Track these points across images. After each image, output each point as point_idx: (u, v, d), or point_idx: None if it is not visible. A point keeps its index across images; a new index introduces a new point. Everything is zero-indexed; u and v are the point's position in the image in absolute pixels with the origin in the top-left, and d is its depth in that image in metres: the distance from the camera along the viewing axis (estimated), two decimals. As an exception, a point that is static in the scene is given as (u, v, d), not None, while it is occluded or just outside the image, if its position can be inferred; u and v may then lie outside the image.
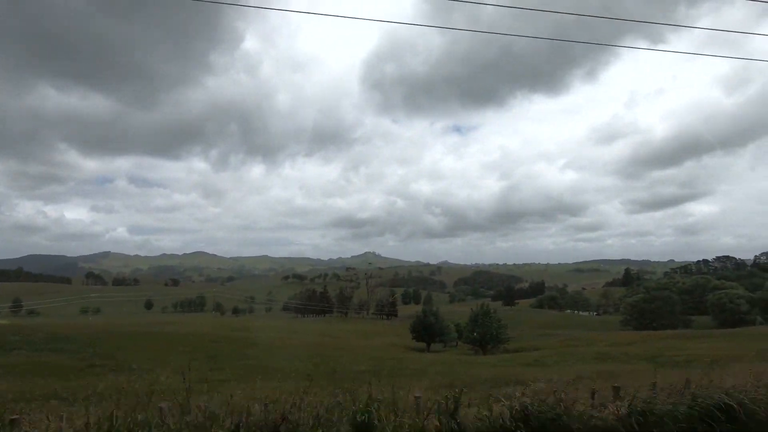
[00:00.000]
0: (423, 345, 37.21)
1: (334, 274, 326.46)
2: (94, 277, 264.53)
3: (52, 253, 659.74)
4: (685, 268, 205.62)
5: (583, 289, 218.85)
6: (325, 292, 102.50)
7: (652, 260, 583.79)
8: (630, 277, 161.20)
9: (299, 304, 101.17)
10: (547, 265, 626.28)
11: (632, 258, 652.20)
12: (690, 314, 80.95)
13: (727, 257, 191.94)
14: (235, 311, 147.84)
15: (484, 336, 35.98)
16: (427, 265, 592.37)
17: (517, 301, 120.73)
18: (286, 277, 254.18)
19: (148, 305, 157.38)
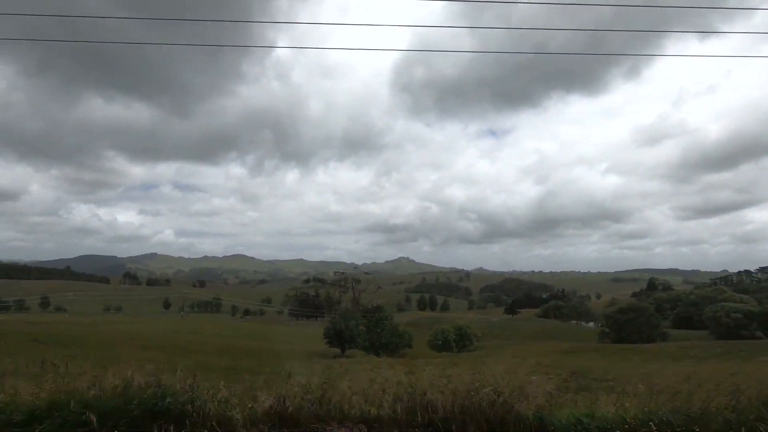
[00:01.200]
0: (337, 350, 36.50)
1: (355, 279, 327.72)
2: (130, 277, 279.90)
3: (104, 254, 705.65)
4: (725, 279, 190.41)
5: (614, 299, 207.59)
6: (316, 296, 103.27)
7: (702, 270, 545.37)
8: (654, 286, 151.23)
9: (293, 309, 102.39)
10: (586, 273, 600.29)
11: (681, 267, 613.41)
12: (685, 327, 75.14)
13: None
14: (246, 312, 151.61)
15: (373, 343, 34.96)
16: (460, 271, 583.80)
17: (520, 309, 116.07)
18: (307, 281, 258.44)
19: (167, 305, 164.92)
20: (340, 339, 35.98)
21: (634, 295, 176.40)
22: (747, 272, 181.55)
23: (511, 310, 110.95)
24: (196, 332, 48.38)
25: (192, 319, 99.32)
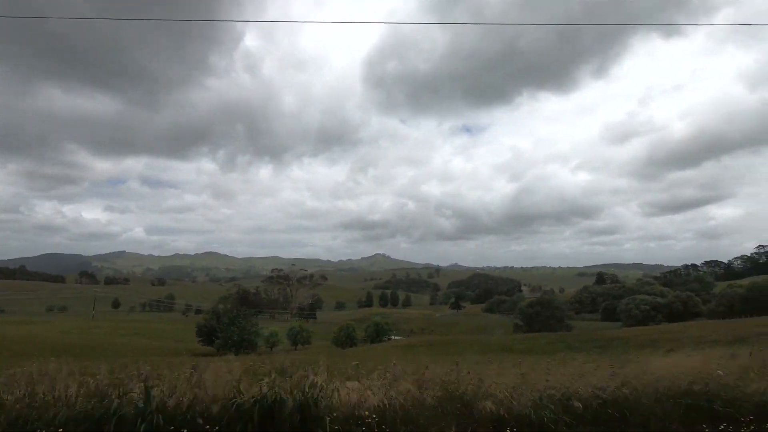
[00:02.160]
0: (213, 349, 35.72)
1: (322, 276, 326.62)
2: (88, 276, 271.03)
3: (70, 252, 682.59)
4: (675, 273, 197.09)
5: (562, 291, 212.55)
6: (256, 294, 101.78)
7: (665, 264, 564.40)
8: (602, 280, 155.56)
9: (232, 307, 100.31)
10: (556, 268, 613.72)
11: (645, 262, 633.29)
12: (610, 319, 77.19)
13: (717, 262, 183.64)
14: (198, 311, 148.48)
15: (226, 341, 34.44)
16: (433, 267, 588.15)
17: (464, 304, 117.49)
18: (271, 278, 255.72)
19: (116, 304, 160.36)
20: (211, 337, 35.33)
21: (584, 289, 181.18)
22: (693, 266, 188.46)
23: (456, 305, 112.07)
24: (82, 331, 46.88)
25: (112, 318, 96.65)
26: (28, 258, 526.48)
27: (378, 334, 56.82)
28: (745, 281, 76.31)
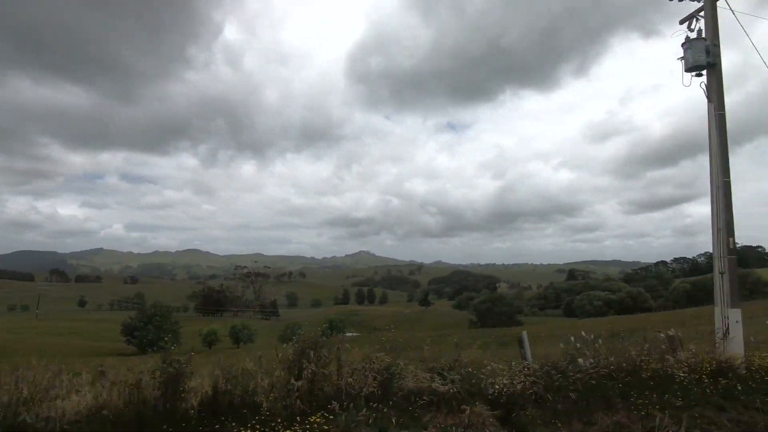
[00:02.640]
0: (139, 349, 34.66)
1: (300, 273, 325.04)
2: (59, 274, 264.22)
3: (44, 249, 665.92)
4: (645, 269, 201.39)
5: (540, 287, 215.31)
6: (221, 292, 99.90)
7: (642, 261, 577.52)
8: (573, 276, 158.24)
9: (197, 306, 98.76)
10: (537, 265, 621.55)
11: (623, 259, 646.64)
12: (570, 315, 78.02)
13: (685, 258, 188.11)
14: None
15: (141, 340, 33.66)
16: (417, 264, 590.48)
17: (440, 301, 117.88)
18: (248, 274, 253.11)
19: (81, 303, 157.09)
20: (137, 336, 34.34)
21: (549, 286, 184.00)
22: (663, 263, 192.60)
23: (425, 302, 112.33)
24: (15, 332, 45.36)
25: (63, 317, 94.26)
26: (1, 255, 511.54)
27: (332, 331, 56.61)
28: (707, 276, 78.20)
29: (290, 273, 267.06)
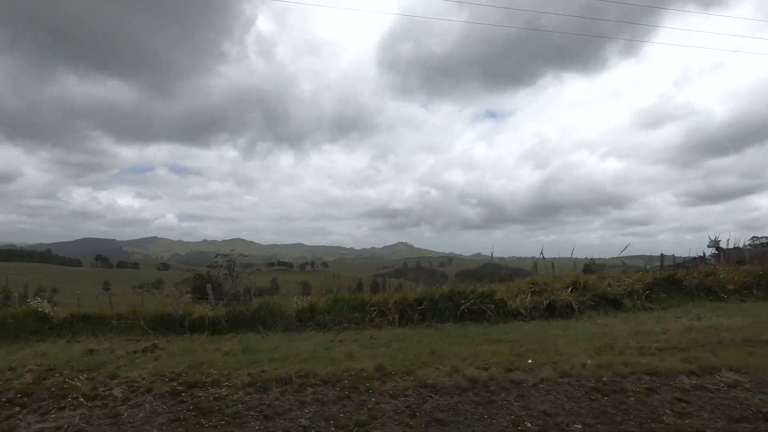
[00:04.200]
0: None
1: (323, 263, 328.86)
2: (103, 260, 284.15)
3: (105, 237, 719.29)
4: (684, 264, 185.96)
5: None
6: (208, 279, 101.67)
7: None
8: (590, 269, 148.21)
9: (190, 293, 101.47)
10: (578, 259, 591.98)
11: (678, 254, 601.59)
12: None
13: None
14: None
15: None
16: (452, 255, 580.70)
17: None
18: (271, 264, 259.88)
19: (106, 286, 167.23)
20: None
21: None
22: (702, 257, 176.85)
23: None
24: None
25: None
26: (66, 242, 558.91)
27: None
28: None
29: (313, 263, 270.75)
